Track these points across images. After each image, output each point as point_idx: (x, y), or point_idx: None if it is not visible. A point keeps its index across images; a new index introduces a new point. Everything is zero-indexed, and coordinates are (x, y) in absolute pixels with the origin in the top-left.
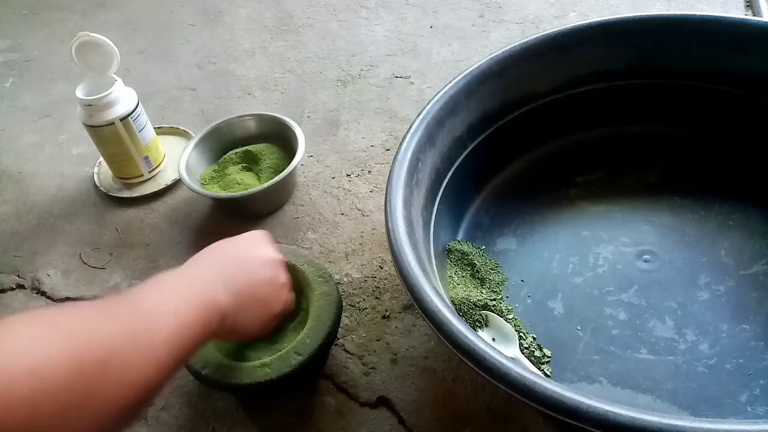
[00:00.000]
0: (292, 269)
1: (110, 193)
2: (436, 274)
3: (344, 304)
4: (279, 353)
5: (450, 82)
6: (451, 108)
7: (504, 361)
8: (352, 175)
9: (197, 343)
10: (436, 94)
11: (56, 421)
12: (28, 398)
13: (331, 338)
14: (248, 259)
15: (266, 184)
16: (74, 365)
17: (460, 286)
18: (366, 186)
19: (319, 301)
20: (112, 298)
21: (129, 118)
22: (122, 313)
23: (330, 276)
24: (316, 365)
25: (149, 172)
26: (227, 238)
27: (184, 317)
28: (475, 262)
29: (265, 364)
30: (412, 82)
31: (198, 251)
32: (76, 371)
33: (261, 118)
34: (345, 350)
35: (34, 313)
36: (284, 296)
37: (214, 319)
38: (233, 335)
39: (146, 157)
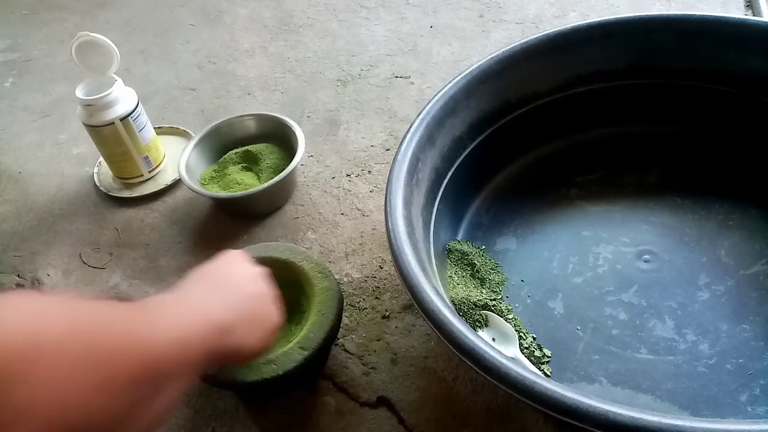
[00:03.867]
0: (291, 266)
1: (110, 193)
2: (436, 274)
3: (344, 304)
4: (283, 349)
5: (450, 82)
6: (451, 108)
7: (504, 360)
8: (352, 175)
9: (200, 352)
10: (436, 94)
11: (58, 375)
12: (27, 348)
13: (334, 332)
14: (234, 278)
15: (266, 184)
16: (76, 323)
17: (460, 286)
18: (366, 186)
19: (320, 297)
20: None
21: (129, 118)
22: (124, 303)
23: (330, 272)
24: (320, 361)
25: (149, 172)
26: (205, 264)
27: (184, 324)
28: (475, 262)
29: (271, 361)
30: (412, 82)
31: (198, 251)
32: (79, 326)
33: (261, 118)
34: (345, 350)
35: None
36: (275, 309)
37: (213, 333)
38: (236, 356)
39: (146, 157)
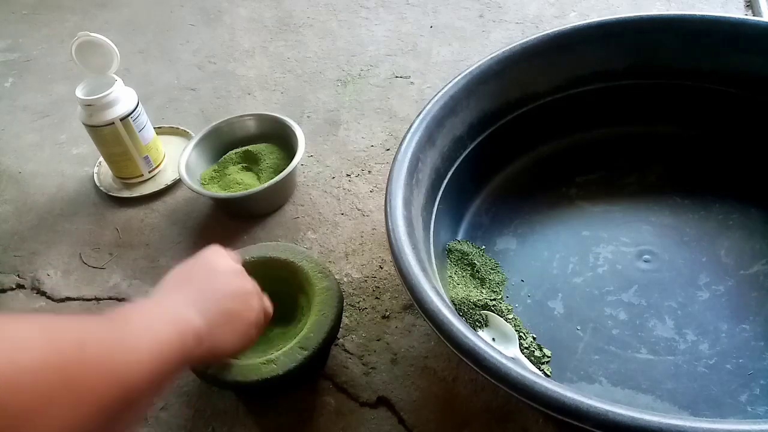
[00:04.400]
0: (291, 266)
1: (110, 193)
2: (436, 274)
3: (344, 304)
4: (283, 349)
5: (450, 82)
6: (451, 108)
7: (504, 360)
8: (352, 175)
9: (177, 361)
10: (436, 94)
11: (37, 404)
12: (6, 385)
13: (334, 332)
14: (210, 276)
15: (266, 184)
16: (52, 349)
17: (460, 286)
18: (366, 186)
19: (320, 296)
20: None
21: (129, 118)
22: (100, 319)
23: (329, 271)
24: (320, 360)
25: (149, 172)
26: (185, 262)
27: (160, 336)
28: (475, 262)
29: (271, 360)
30: (412, 82)
31: (198, 251)
32: (54, 352)
33: (261, 118)
34: (345, 350)
35: (8, 316)
36: (255, 303)
37: (189, 340)
38: (214, 356)
39: (146, 157)
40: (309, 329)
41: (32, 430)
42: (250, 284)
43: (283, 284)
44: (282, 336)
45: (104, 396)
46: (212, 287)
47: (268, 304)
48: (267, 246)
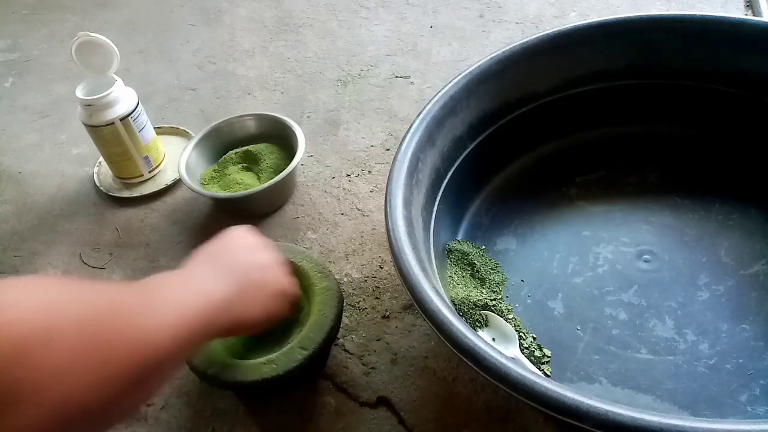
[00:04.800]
0: (291, 266)
1: (110, 193)
2: (436, 274)
3: (344, 303)
4: (283, 349)
5: (450, 82)
6: (451, 108)
7: (504, 360)
8: (352, 175)
9: (202, 331)
10: (436, 94)
11: (66, 362)
12: (42, 332)
13: (334, 332)
14: (237, 250)
15: (266, 184)
16: (86, 305)
17: (460, 286)
18: (366, 186)
19: (320, 296)
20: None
21: (129, 118)
22: (131, 287)
23: (329, 271)
24: (320, 361)
25: (149, 172)
26: (210, 242)
27: (187, 305)
28: (475, 262)
29: (271, 360)
30: (412, 82)
31: (198, 251)
32: (89, 316)
33: (261, 118)
34: (345, 350)
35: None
36: (280, 276)
37: (215, 310)
38: (241, 326)
39: (146, 157)
40: (309, 329)
41: (60, 387)
42: (276, 257)
43: None
44: (281, 336)
45: (131, 360)
46: (237, 260)
47: (294, 282)
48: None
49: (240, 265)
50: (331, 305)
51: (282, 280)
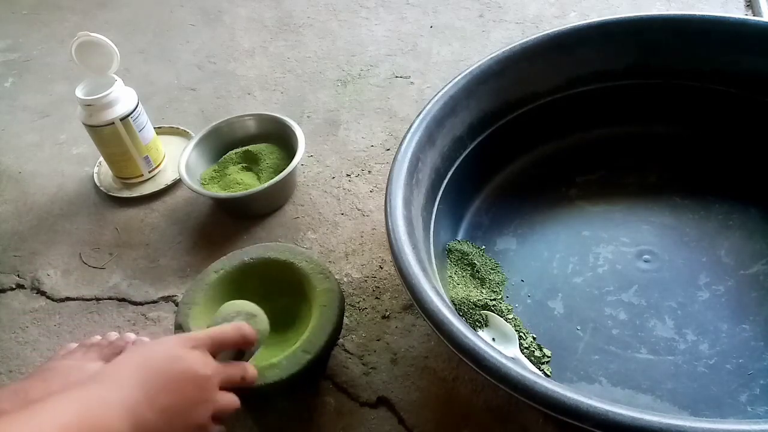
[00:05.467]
0: (291, 267)
1: (110, 193)
2: (436, 274)
3: (344, 304)
4: (286, 353)
5: (450, 82)
6: (451, 108)
7: (504, 361)
8: (352, 175)
9: None
10: (436, 94)
11: None
12: None
13: (336, 334)
14: (161, 367)
15: (266, 184)
16: None
17: (460, 286)
18: (366, 186)
19: (322, 298)
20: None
21: (129, 118)
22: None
23: (330, 272)
24: (322, 363)
25: (149, 172)
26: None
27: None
28: (475, 262)
29: (274, 365)
30: (412, 82)
31: (198, 251)
32: None
33: (261, 118)
34: (345, 350)
35: None
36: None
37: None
38: None
39: (146, 157)
40: (312, 332)
41: None
42: (207, 372)
43: (282, 286)
44: (284, 340)
45: None
46: (160, 379)
47: (228, 398)
48: (267, 247)
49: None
50: (332, 307)
51: (203, 414)
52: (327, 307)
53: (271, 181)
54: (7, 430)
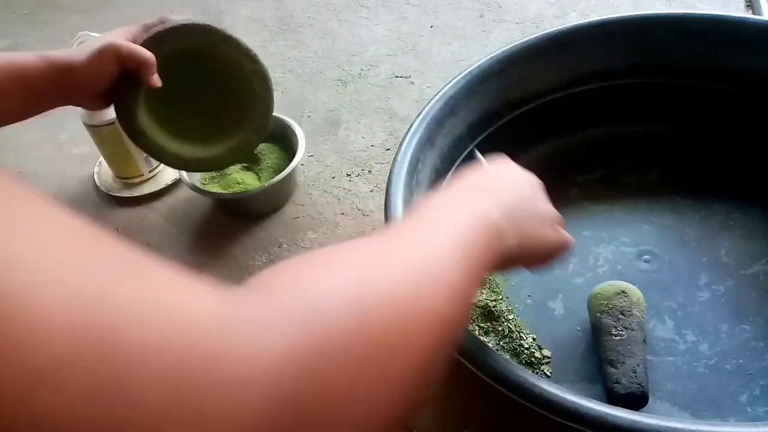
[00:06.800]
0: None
1: (110, 193)
2: None
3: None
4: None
5: (450, 82)
6: (451, 108)
7: (503, 363)
8: (352, 175)
9: (484, 266)
10: (436, 94)
11: (347, 379)
12: (313, 343)
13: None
14: (509, 178)
15: (266, 184)
16: (355, 306)
17: None
18: (366, 186)
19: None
20: (381, 234)
21: None
22: (400, 246)
23: (255, 54)
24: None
25: (149, 172)
26: (468, 173)
27: (464, 239)
28: None
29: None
30: (412, 82)
31: (198, 251)
32: (358, 312)
33: None
34: None
35: (308, 259)
36: (551, 207)
37: (492, 237)
38: (519, 260)
39: (146, 157)
40: (257, 115)
41: (351, 420)
42: (540, 188)
43: (207, 73)
44: (224, 128)
45: (422, 345)
46: (511, 185)
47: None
48: (177, 32)
49: (514, 191)
50: (265, 88)
51: (554, 211)
52: (261, 89)
53: (272, 181)
54: (412, 235)
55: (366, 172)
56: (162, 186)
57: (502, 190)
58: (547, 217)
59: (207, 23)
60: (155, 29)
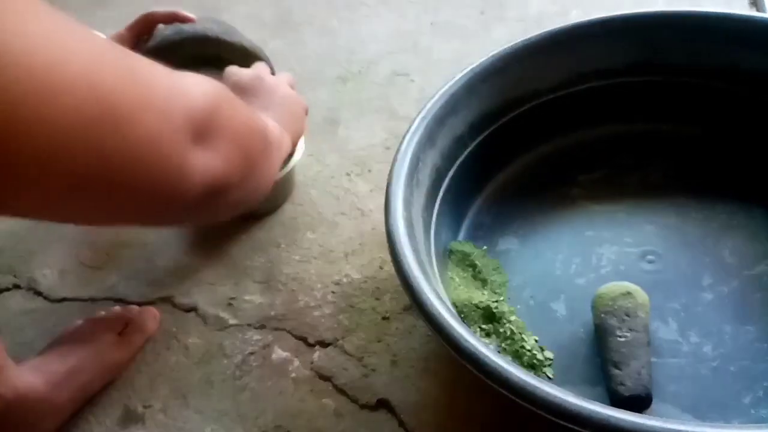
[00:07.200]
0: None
1: None
2: (437, 276)
3: (344, 305)
4: None
5: (451, 80)
6: (451, 106)
7: (505, 364)
8: (351, 174)
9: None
10: (436, 93)
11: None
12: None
13: None
14: (263, 87)
15: None
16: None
17: (461, 287)
18: (366, 185)
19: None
20: None
21: None
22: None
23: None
24: None
25: None
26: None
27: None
28: (477, 263)
29: None
30: (412, 80)
31: (197, 251)
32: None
33: None
34: (344, 352)
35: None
36: (301, 100)
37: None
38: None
39: None
40: None
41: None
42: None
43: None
44: None
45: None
46: (270, 94)
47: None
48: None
49: (273, 99)
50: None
51: (304, 103)
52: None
53: None
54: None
55: (366, 171)
56: None
57: (270, 98)
58: (299, 113)
59: (216, 32)
60: (167, 34)
